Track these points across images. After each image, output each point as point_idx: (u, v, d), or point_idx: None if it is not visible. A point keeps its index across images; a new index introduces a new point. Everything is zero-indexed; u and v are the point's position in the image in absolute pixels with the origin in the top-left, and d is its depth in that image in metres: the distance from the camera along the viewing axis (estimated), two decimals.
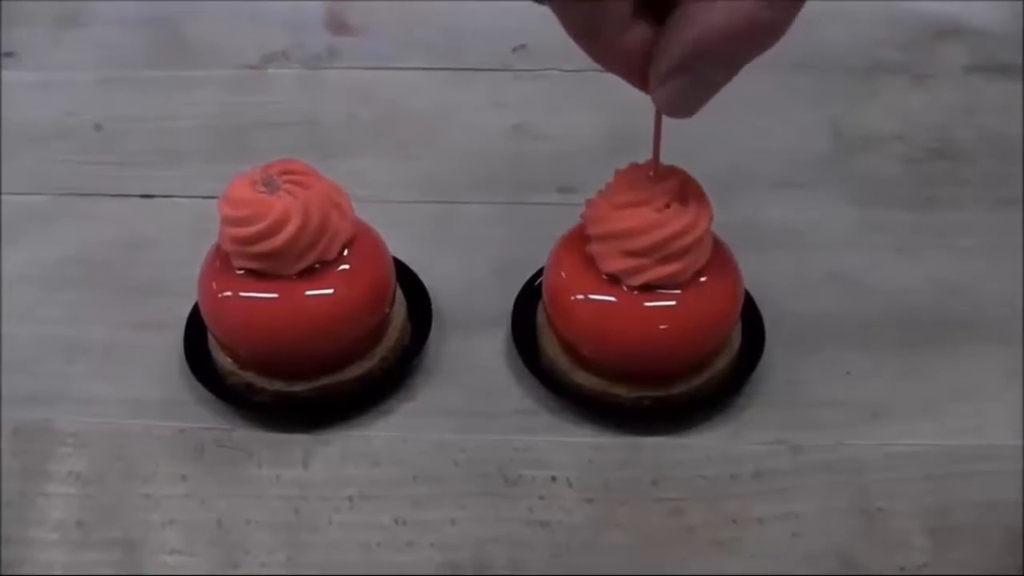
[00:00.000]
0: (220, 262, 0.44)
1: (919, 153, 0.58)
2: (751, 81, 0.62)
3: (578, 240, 0.44)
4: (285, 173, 0.42)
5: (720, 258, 0.44)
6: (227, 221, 0.42)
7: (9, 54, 0.66)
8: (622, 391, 0.44)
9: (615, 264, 0.42)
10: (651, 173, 0.41)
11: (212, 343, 0.46)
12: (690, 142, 0.58)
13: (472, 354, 0.48)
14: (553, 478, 0.43)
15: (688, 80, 0.35)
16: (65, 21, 0.69)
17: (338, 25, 0.68)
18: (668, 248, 0.41)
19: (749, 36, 0.35)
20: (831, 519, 0.42)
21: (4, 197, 0.56)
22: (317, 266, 0.43)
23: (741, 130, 0.59)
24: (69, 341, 0.49)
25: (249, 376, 0.45)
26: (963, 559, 0.40)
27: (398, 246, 0.48)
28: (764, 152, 0.58)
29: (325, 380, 0.45)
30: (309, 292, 0.43)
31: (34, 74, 0.65)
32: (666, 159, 0.42)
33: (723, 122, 0.60)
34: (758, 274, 0.46)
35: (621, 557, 0.41)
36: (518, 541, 0.41)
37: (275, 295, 0.43)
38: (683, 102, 0.37)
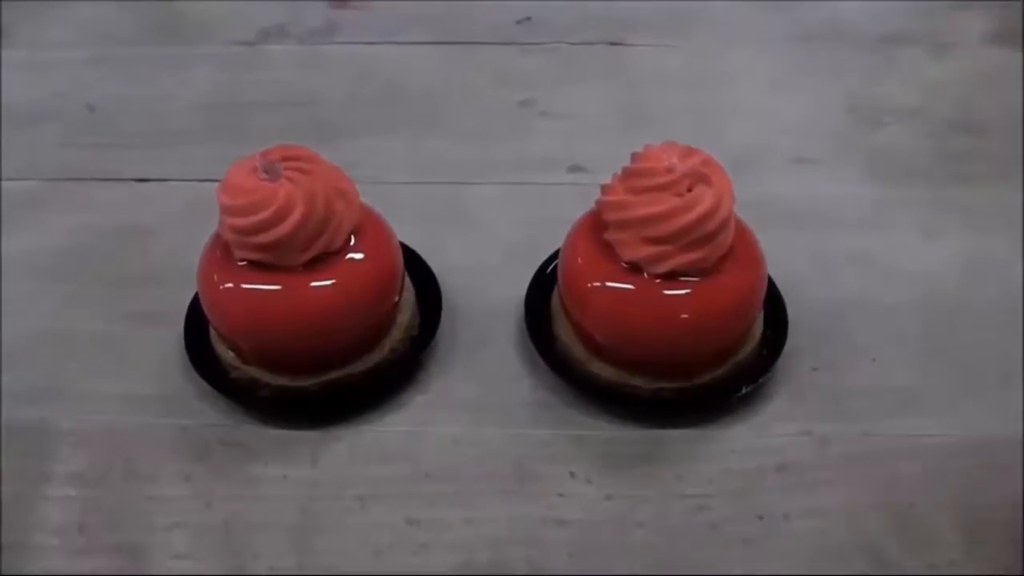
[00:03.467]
0: (221, 252, 0.42)
1: (939, 127, 0.57)
2: (765, 56, 0.61)
3: (594, 225, 0.42)
4: (287, 159, 0.41)
5: (743, 242, 0.42)
6: (227, 210, 0.40)
7: None
8: (641, 382, 0.43)
9: (637, 252, 0.40)
10: (670, 154, 0.40)
11: (214, 336, 0.45)
12: (704, 119, 0.57)
13: (484, 343, 0.46)
14: (572, 474, 0.42)
15: None
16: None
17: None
18: (693, 234, 0.39)
19: None
20: (859, 515, 0.40)
21: None
22: (322, 256, 0.41)
23: (755, 106, 0.58)
24: (65, 335, 0.47)
25: (253, 371, 0.43)
26: (995, 556, 0.39)
27: (403, 230, 0.47)
28: (780, 128, 0.57)
29: (332, 374, 0.43)
30: (315, 283, 0.41)
31: (22, 53, 0.63)
32: (679, 137, 0.40)
33: (737, 98, 0.58)
34: (776, 255, 0.44)
35: (644, 557, 0.39)
36: (536, 541, 0.40)
37: (279, 287, 0.41)
38: None
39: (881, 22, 0.63)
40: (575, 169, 0.54)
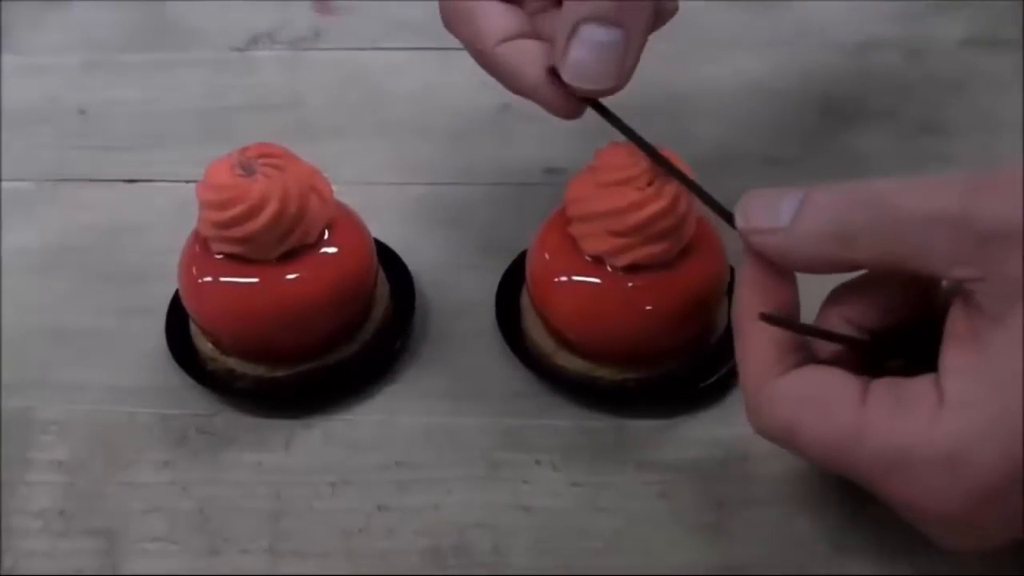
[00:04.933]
0: (200, 247, 0.43)
1: (911, 130, 0.58)
2: (740, 57, 0.62)
3: (561, 221, 0.43)
4: (262, 156, 0.42)
5: (704, 235, 0.43)
6: (205, 205, 0.42)
7: None
8: (607, 373, 0.44)
9: (599, 245, 0.41)
10: (632, 151, 0.41)
11: (193, 329, 0.46)
12: (678, 119, 0.58)
13: (456, 337, 0.47)
14: (537, 462, 0.43)
15: (580, 46, 0.37)
16: (47, 3, 0.68)
17: (324, 5, 0.67)
18: (653, 227, 0.40)
19: None
20: (820, 502, 0.41)
21: None
22: (297, 250, 0.42)
23: (730, 106, 0.59)
24: (51, 328, 0.49)
25: (231, 362, 0.45)
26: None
27: (383, 229, 0.48)
28: (753, 129, 0.58)
29: (307, 365, 0.44)
30: (289, 276, 0.42)
31: (17, 58, 0.64)
32: (655, 137, 0.41)
33: (712, 99, 0.60)
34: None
35: (606, 541, 0.40)
36: (502, 526, 0.41)
37: (255, 280, 0.42)
38: (585, 70, 0.38)
39: (856, 25, 0.64)
40: (551, 171, 0.55)
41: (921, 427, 0.31)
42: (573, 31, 0.37)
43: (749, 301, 0.36)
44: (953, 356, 0.32)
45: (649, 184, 0.40)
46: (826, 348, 0.37)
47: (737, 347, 0.36)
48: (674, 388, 0.44)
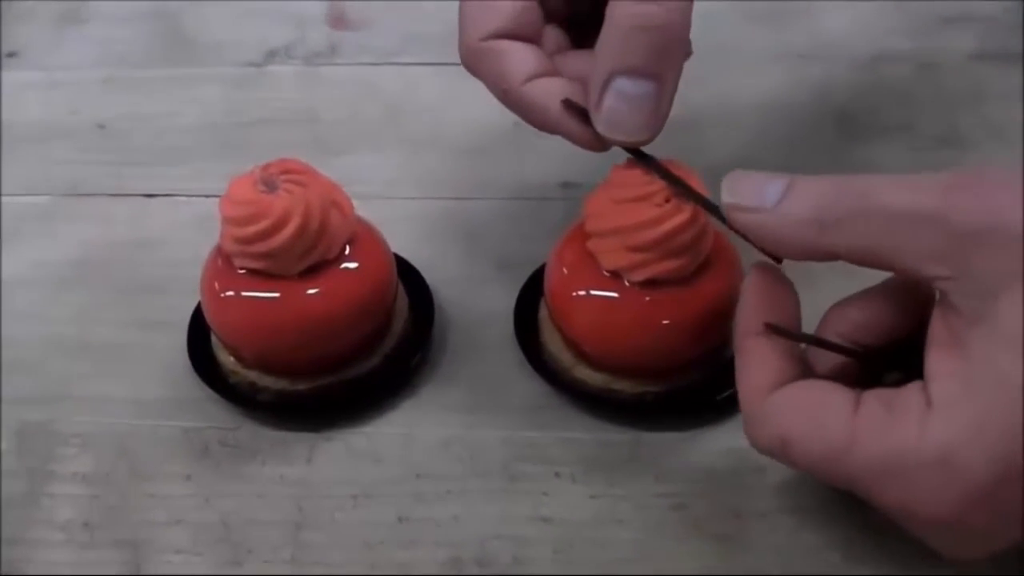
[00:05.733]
0: (222, 262, 0.44)
1: (925, 142, 0.58)
2: (756, 71, 0.62)
3: (579, 236, 0.44)
4: (284, 172, 0.42)
5: (721, 250, 0.43)
6: (228, 221, 0.42)
7: (11, 54, 0.66)
8: (625, 386, 0.44)
9: (617, 260, 0.42)
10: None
11: (215, 342, 0.46)
12: (693, 133, 0.58)
13: (475, 351, 0.48)
14: (557, 474, 0.43)
15: (614, 97, 0.38)
16: (67, 19, 0.69)
17: (339, 20, 0.68)
18: (671, 243, 0.41)
19: (642, 40, 0.37)
20: (835, 513, 0.41)
21: (7, 198, 0.56)
22: (319, 265, 0.43)
23: (745, 120, 0.59)
24: (73, 341, 0.49)
25: (252, 375, 0.45)
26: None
27: (401, 243, 0.48)
28: (768, 142, 0.58)
29: (328, 378, 0.45)
30: (311, 291, 0.43)
31: (36, 73, 0.65)
32: (671, 151, 0.41)
33: (727, 112, 0.60)
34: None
35: (625, 552, 0.41)
36: (522, 537, 0.41)
37: (277, 294, 0.43)
38: (619, 121, 0.38)
39: (869, 39, 0.65)
40: (567, 185, 0.56)
41: (911, 433, 0.32)
42: (607, 83, 0.38)
43: (750, 318, 0.37)
44: (937, 361, 0.33)
45: (667, 200, 0.41)
46: (823, 364, 0.37)
47: (737, 363, 0.37)
48: (691, 401, 0.45)
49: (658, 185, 0.41)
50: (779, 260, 0.38)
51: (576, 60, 0.42)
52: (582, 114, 0.39)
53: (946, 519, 0.32)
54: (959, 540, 0.34)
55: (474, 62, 0.42)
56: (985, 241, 0.31)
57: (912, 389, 0.33)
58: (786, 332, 0.37)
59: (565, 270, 0.44)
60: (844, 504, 0.41)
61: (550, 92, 0.40)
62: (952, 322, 0.33)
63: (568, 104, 0.40)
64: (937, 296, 0.34)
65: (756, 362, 0.36)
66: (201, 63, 0.65)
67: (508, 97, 0.41)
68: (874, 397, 0.34)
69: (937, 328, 0.33)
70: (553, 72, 0.41)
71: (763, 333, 0.36)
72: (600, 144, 0.40)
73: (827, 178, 0.34)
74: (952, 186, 0.32)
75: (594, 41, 0.42)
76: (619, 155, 0.42)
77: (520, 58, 0.40)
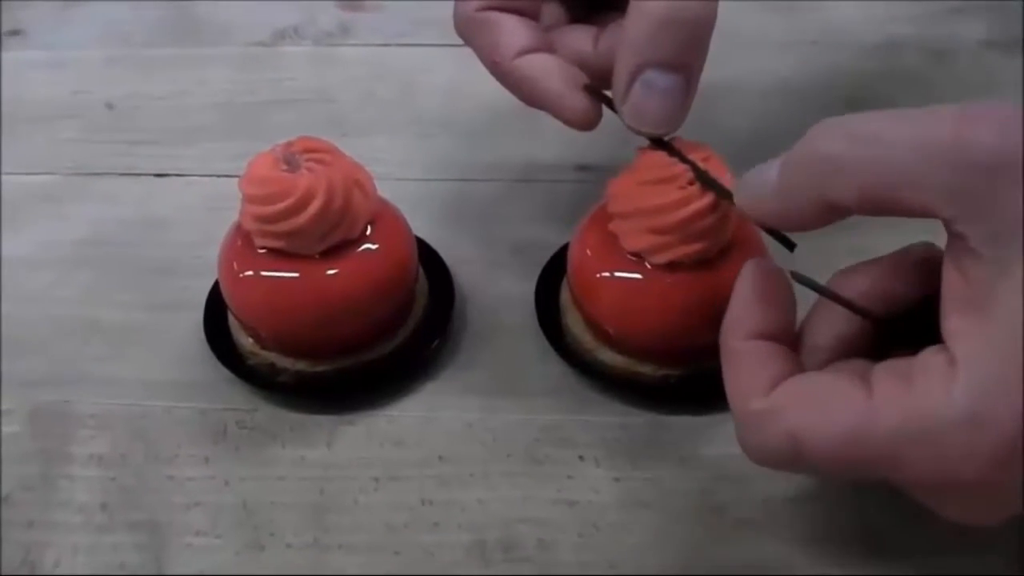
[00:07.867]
0: (241, 241, 0.43)
1: None
2: (767, 57, 0.62)
3: (603, 218, 0.43)
4: (307, 151, 0.42)
5: (745, 234, 0.43)
6: (250, 199, 0.42)
7: (15, 32, 0.65)
8: (648, 369, 0.44)
9: (639, 242, 0.42)
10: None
11: (233, 323, 0.46)
12: (704, 118, 0.58)
13: (495, 333, 0.47)
14: (580, 457, 0.43)
15: (642, 89, 0.38)
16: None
17: (349, 3, 0.67)
18: (693, 226, 0.40)
19: (674, 32, 0.37)
20: (863, 498, 0.41)
21: (13, 177, 0.55)
22: (340, 245, 0.42)
23: (756, 106, 0.59)
24: (86, 322, 0.48)
25: (271, 356, 0.45)
26: (991, 536, 0.40)
27: (414, 224, 0.48)
28: (779, 128, 0.58)
29: (349, 360, 0.44)
30: (332, 271, 0.42)
31: (41, 52, 0.64)
32: (685, 135, 0.41)
33: (738, 98, 0.60)
34: (776, 248, 0.45)
35: (649, 536, 0.41)
36: (546, 521, 0.41)
37: (297, 274, 0.42)
38: (646, 113, 0.38)
39: (879, 26, 0.65)
40: (582, 167, 0.55)
41: (936, 393, 0.30)
42: (634, 75, 0.37)
43: (738, 320, 0.36)
44: (956, 319, 0.30)
45: (691, 183, 0.41)
46: (815, 359, 0.36)
47: (724, 368, 0.36)
48: (715, 385, 0.44)
49: (682, 168, 0.41)
50: (792, 247, 0.37)
51: (572, 35, 0.42)
52: (605, 101, 0.39)
53: (975, 480, 0.30)
54: (979, 504, 0.32)
55: (468, 31, 0.42)
56: (1009, 176, 0.28)
57: (930, 352, 0.31)
58: (806, 280, 0.35)
59: (588, 251, 0.44)
60: (871, 491, 0.41)
61: (541, 68, 0.40)
62: (970, 270, 0.30)
63: (589, 90, 0.39)
64: (950, 248, 0.31)
65: (747, 365, 0.35)
66: (208, 43, 0.64)
67: (498, 69, 0.41)
68: (883, 370, 0.32)
69: (953, 281, 0.31)
70: (546, 48, 0.41)
71: (759, 333, 0.35)
72: (589, 123, 0.40)
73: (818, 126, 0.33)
74: (967, 116, 0.29)
75: (592, 17, 0.41)
76: (632, 138, 0.41)
77: (513, 30, 0.40)
